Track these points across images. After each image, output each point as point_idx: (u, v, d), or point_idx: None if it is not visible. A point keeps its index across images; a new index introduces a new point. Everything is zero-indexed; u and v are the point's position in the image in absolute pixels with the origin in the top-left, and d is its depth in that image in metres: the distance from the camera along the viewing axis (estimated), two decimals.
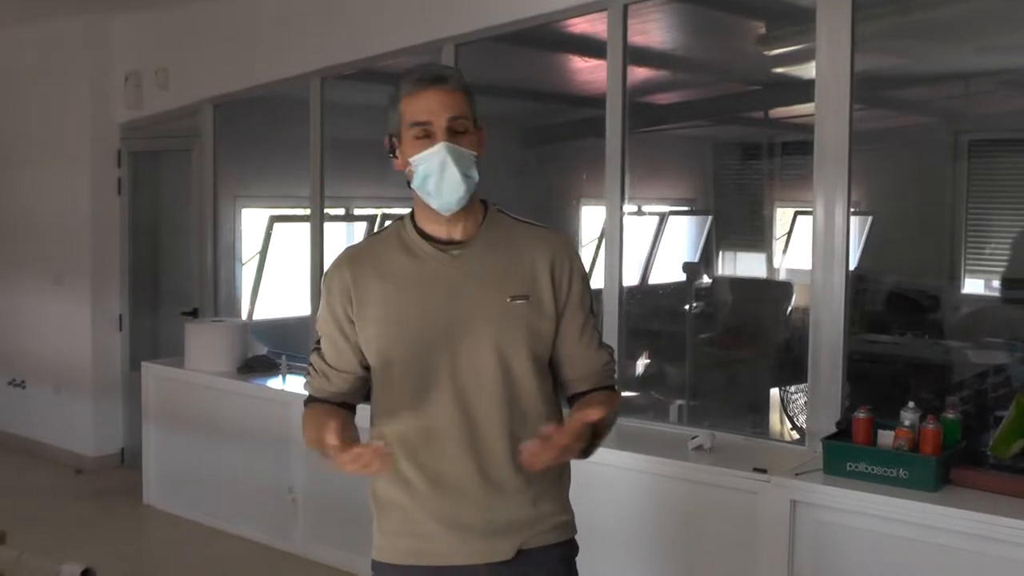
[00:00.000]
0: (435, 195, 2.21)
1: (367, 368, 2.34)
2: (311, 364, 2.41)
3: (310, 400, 2.41)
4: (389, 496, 2.30)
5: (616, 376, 2.45)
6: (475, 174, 2.22)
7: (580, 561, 2.40)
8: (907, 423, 3.49)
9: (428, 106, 2.19)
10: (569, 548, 2.37)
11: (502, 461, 2.23)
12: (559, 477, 2.35)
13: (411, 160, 2.21)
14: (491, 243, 2.30)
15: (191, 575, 5.34)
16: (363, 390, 2.40)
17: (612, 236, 4.67)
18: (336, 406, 2.36)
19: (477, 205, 2.32)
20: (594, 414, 2.06)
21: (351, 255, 2.37)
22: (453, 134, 2.20)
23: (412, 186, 2.25)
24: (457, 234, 2.29)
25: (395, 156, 2.29)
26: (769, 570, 3.63)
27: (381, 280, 2.28)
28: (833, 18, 3.92)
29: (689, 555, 3.94)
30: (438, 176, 2.19)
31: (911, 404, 3.53)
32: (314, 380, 2.40)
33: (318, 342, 2.40)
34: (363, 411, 2.40)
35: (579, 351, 2.35)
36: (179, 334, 6.29)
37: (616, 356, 2.47)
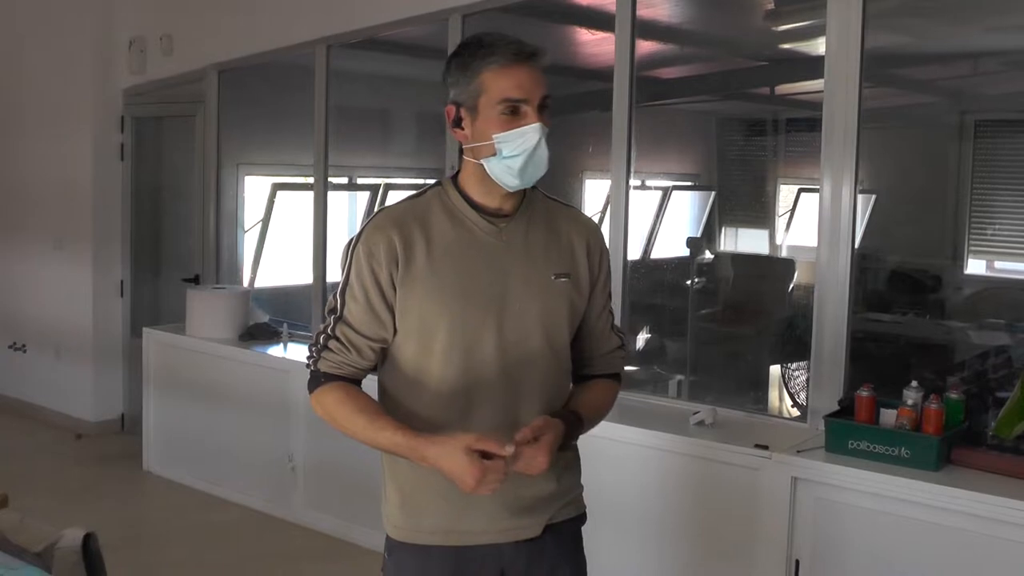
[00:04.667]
0: (518, 175, 2.11)
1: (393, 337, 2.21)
2: (335, 337, 2.19)
3: (326, 378, 2.20)
4: (418, 473, 2.15)
5: (625, 364, 2.44)
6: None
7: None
8: (910, 402, 3.48)
9: (524, 83, 2.09)
10: (582, 520, 2.38)
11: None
12: (578, 450, 2.35)
13: (496, 137, 2.10)
14: (532, 219, 2.24)
15: (190, 541, 5.35)
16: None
17: (617, 210, 4.66)
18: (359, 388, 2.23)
19: None
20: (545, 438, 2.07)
21: (394, 216, 2.19)
22: (541, 113, 2.11)
23: (482, 162, 2.13)
24: (508, 206, 2.21)
25: (459, 128, 2.17)
26: (769, 546, 3.64)
27: (428, 244, 2.16)
28: None
29: (689, 530, 3.95)
30: (527, 157, 2.09)
31: (914, 383, 3.52)
32: (337, 356, 2.19)
33: (333, 312, 2.21)
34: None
35: (596, 329, 2.35)
36: (180, 300, 6.29)
37: (627, 343, 2.46)
